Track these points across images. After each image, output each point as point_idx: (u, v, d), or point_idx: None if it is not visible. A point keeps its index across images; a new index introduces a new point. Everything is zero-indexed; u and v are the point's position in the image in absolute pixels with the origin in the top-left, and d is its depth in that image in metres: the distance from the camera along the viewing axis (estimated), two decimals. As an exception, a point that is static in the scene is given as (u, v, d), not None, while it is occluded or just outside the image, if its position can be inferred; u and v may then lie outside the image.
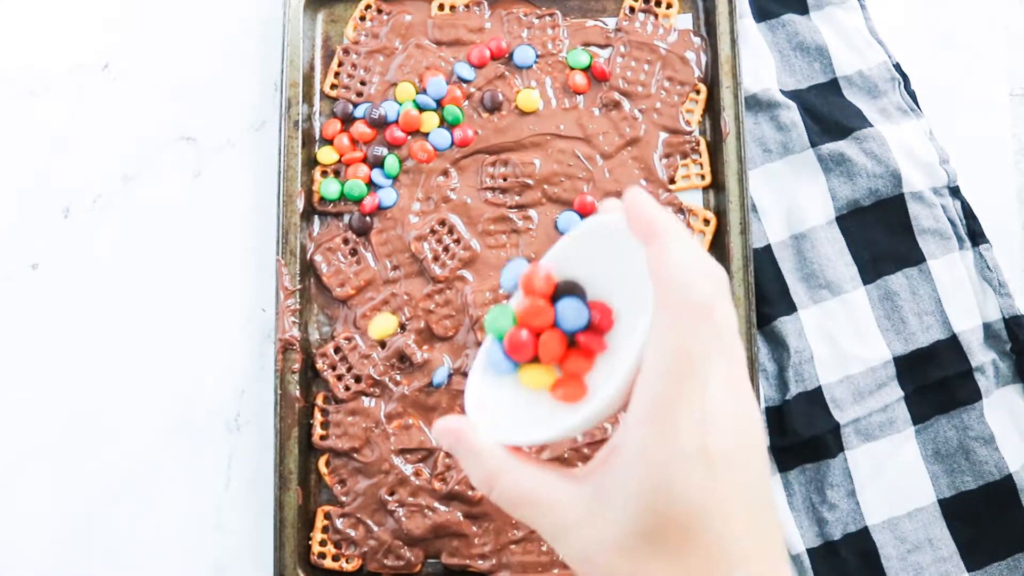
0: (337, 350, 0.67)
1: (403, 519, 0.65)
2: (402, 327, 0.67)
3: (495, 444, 0.39)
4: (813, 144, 0.69)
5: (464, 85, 0.70)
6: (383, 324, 0.66)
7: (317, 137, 0.70)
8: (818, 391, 0.66)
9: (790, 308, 0.68)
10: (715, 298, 0.35)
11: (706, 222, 0.68)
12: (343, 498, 0.66)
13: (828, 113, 0.70)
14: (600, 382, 0.40)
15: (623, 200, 0.37)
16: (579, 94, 0.69)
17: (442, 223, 0.68)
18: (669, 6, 0.70)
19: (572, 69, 0.70)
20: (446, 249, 0.68)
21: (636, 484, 0.35)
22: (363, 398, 0.67)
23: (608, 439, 0.38)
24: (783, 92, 0.70)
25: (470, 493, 0.65)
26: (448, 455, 0.66)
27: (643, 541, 0.35)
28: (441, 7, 0.71)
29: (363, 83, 0.70)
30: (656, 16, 0.70)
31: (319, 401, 0.67)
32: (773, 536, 0.36)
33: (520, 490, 0.38)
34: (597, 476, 0.37)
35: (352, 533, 0.65)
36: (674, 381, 0.34)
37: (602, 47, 0.70)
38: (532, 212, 0.68)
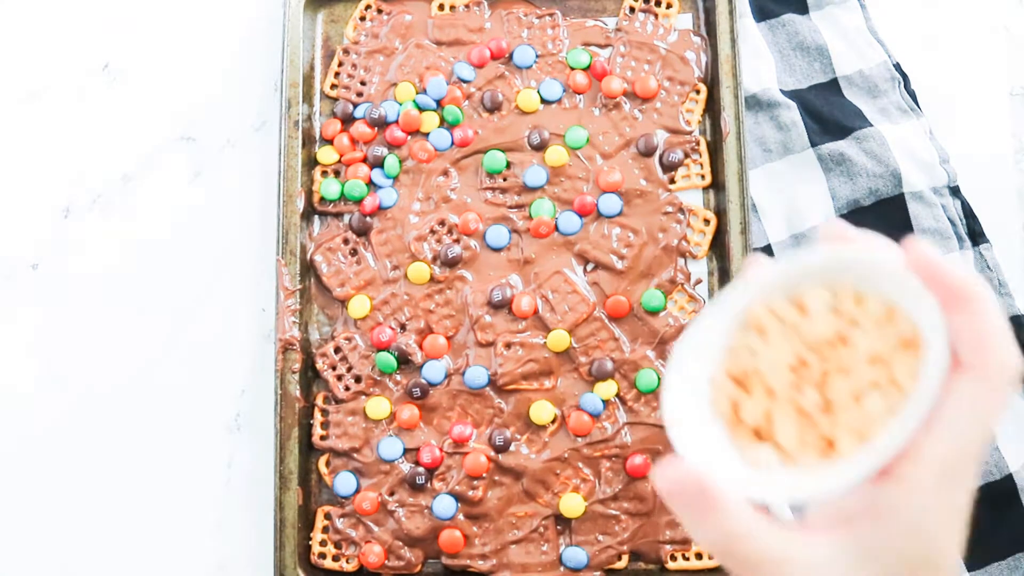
0: (337, 350, 0.67)
1: (403, 519, 0.65)
2: (402, 327, 0.67)
3: (743, 501, 0.34)
4: (813, 144, 0.69)
5: (464, 85, 0.70)
6: (359, 306, 0.67)
7: (317, 137, 0.70)
8: (818, 391, 0.66)
9: (790, 308, 0.67)
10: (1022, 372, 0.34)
11: (706, 222, 0.68)
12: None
13: (828, 113, 0.70)
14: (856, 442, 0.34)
15: (910, 251, 0.35)
16: (579, 94, 0.69)
17: (442, 223, 0.68)
18: (669, 6, 0.70)
19: (572, 69, 0.70)
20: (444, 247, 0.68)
21: (910, 542, 0.34)
22: (363, 398, 0.67)
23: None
24: (783, 92, 0.70)
25: (470, 493, 0.65)
26: (450, 454, 0.66)
27: None
28: (441, 7, 0.71)
29: (363, 83, 0.70)
30: (656, 16, 0.70)
31: (319, 401, 0.67)
32: None
33: (763, 553, 0.34)
34: (847, 531, 0.34)
35: (352, 533, 0.65)
36: (974, 447, 0.33)
37: (602, 47, 0.70)
38: (532, 212, 0.68)
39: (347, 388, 0.67)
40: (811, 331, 0.35)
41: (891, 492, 0.34)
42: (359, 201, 0.68)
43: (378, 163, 0.69)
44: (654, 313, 0.66)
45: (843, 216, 0.68)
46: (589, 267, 0.67)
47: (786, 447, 0.35)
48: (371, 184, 0.69)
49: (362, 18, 0.71)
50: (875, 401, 0.34)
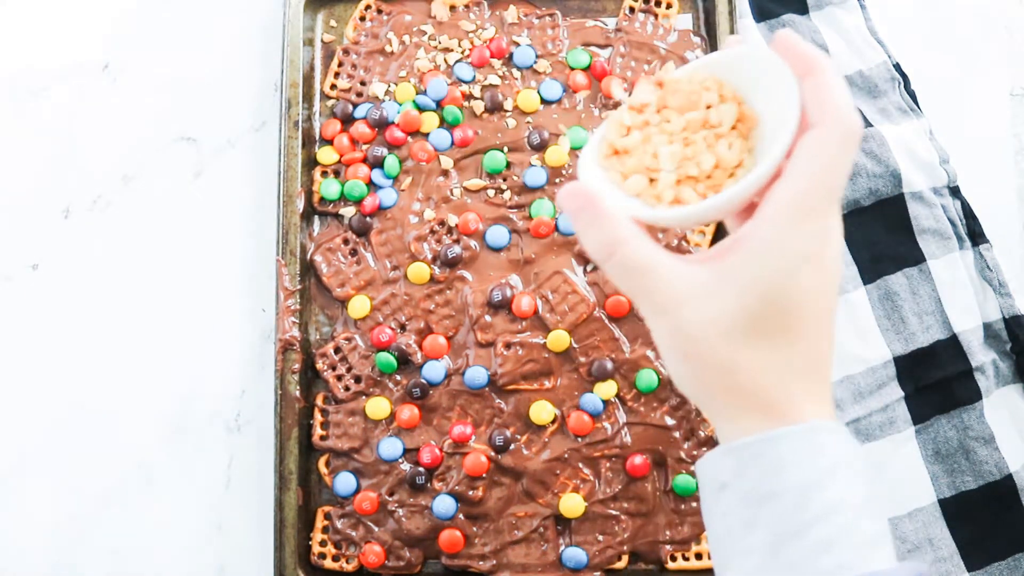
0: (337, 350, 0.67)
1: (403, 519, 0.65)
2: (402, 327, 0.67)
3: (623, 213, 0.41)
4: (813, 144, 0.69)
5: (464, 85, 0.70)
6: (359, 306, 0.67)
7: (317, 137, 0.70)
8: (818, 391, 0.66)
9: (790, 308, 0.68)
10: (860, 131, 0.40)
11: (706, 222, 0.68)
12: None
13: (828, 113, 0.70)
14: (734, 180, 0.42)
15: (777, 37, 0.41)
16: (578, 93, 0.69)
17: (442, 223, 0.68)
18: (669, 6, 0.70)
19: (572, 69, 0.70)
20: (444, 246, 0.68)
21: (757, 270, 0.39)
22: (363, 398, 0.67)
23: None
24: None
25: (470, 493, 0.65)
26: (450, 454, 0.66)
27: (748, 327, 0.39)
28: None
29: (363, 83, 0.70)
30: (656, 16, 0.70)
31: (319, 401, 0.67)
32: (832, 348, 0.41)
33: (642, 258, 0.40)
34: (717, 261, 0.40)
35: (352, 533, 0.65)
36: (817, 188, 0.38)
37: (602, 47, 0.70)
38: (532, 212, 0.68)
39: (347, 388, 0.67)
40: (689, 115, 0.43)
41: (748, 226, 0.40)
42: (359, 201, 0.68)
43: (378, 163, 0.69)
44: (654, 313, 0.66)
45: (843, 216, 0.68)
46: (589, 267, 0.67)
47: (662, 197, 0.42)
48: (371, 184, 0.69)
49: (362, 18, 0.71)
50: (733, 156, 0.42)
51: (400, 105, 0.69)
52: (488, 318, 0.67)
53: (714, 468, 0.41)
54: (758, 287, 0.39)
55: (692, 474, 0.65)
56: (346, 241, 0.69)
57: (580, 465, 0.65)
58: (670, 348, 0.41)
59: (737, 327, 0.39)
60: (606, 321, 0.67)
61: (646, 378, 0.65)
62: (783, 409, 0.40)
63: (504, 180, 0.69)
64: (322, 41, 0.71)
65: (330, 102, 0.71)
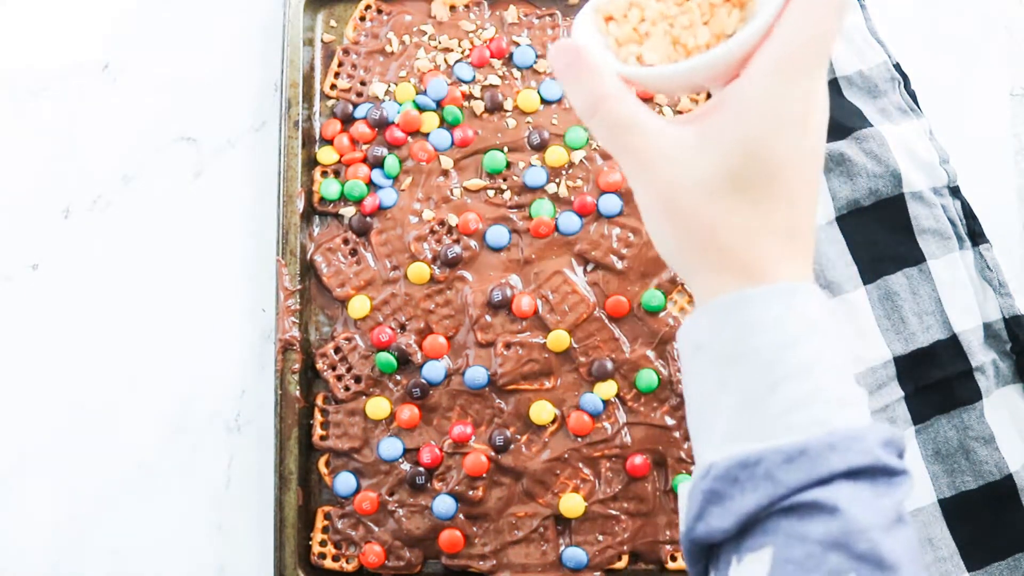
0: (337, 350, 0.67)
1: (403, 519, 0.65)
2: (402, 327, 0.67)
3: (611, 69, 0.41)
4: (813, 144, 0.69)
5: (464, 85, 0.70)
6: (359, 306, 0.67)
7: (317, 137, 0.70)
8: (818, 391, 0.66)
9: (790, 308, 0.68)
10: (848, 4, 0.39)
11: (706, 222, 0.68)
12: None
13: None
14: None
15: None
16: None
17: (442, 223, 0.68)
18: (669, 6, 0.70)
19: (572, 69, 0.70)
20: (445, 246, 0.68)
21: (743, 128, 0.39)
22: (363, 398, 0.67)
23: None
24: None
25: (470, 493, 0.65)
26: (450, 454, 0.66)
27: (730, 185, 0.39)
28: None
29: (363, 83, 0.70)
30: (656, 16, 0.70)
31: (319, 401, 0.67)
32: (813, 216, 0.42)
33: (627, 115, 0.40)
34: (702, 120, 0.40)
35: (352, 533, 0.65)
36: (804, 49, 0.38)
37: (602, 47, 0.70)
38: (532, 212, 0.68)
39: (347, 388, 0.67)
40: None
41: (735, 85, 0.40)
42: (359, 201, 0.68)
43: (378, 163, 0.69)
44: (654, 313, 0.66)
45: (843, 216, 0.69)
46: (589, 267, 0.67)
47: (653, 58, 0.42)
48: (371, 184, 0.69)
49: (362, 18, 0.71)
50: (722, 19, 0.41)
51: (400, 105, 0.69)
52: (488, 318, 0.67)
53: (690, 330, 0.42)
54: (742, 145, 0.39)
55: (692, 474, 0.65)
56: (346, 241, 0.69)
57: (580, 465, 0.65)
58: (652, 206, 0.41)
59: (719, 185, 0.39)
60: (606, 321, 0.67)
61: (646, 378, 0.65)
62: (760, 268, 0.40)
63: (504, 180, 0.69)
64: (322, 41, 0.71)
65: (330, 102, 0.71)
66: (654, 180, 0.40)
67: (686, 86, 0.43)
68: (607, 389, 0.65)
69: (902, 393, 0.67)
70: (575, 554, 0.64)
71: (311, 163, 0.70)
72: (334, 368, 0.67)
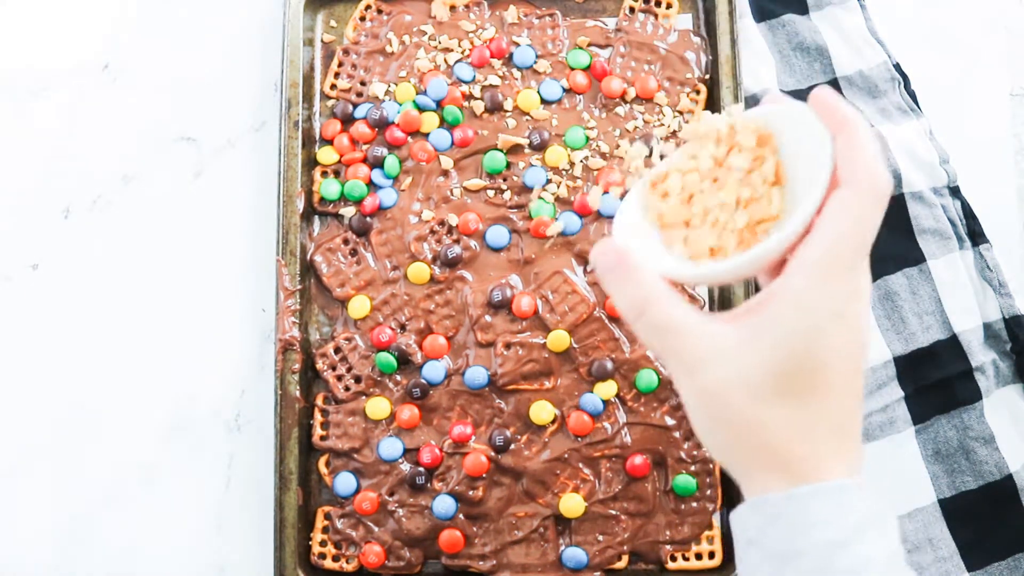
0: (337, 350, 0.67)
1: (403, 519, 0.65)
2: (402, 327, 0.67)
3: (654, 271, 0.42)
4: (813, 144, 0.69)
5: (464, 85, 0.70)
6: (359, 306, 0.67)
7: (317, 137, 0.70)
8: (818, 391, 0.66)
9: (790, 308, 0.68)
10: (890, 190, 0.40)
11: (706, 222, 0.68)
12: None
13: (828, 113, 0.70)
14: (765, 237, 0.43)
15: (813, 95, 0.42)
16: (579, 94, 0.69)
17: (442, 223, 0.68)
18: (669, 6, 0.70)
19: (572, 69, 0.70)
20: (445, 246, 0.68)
21: (784, 329, 0.39)
22: (363, 398, 0.67)
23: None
24: (783, 92, 0.70)
25: (470, 493, 0.65)
26: (450, 454, 0.66)
27: (776, 386, 0.39)
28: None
29: (363, 83, 0.70)
30: (656, 16, 0.70)
31: (319, 401, 0.67)
32: (860, 408, 0.41)
33: (672, 318, 0.41)
34: (746, 319, 0.40)
35: (352, 533, 0.65)
36: (845, 247, 0.39)
37: (602, 47, 0.70)
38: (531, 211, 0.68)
39: (347, 388, 0.67)
40: (730, 163, 0.44)
41: (778, 283, 0.40)
42: (359, 201, 0.68)
43: (378, 163, 0.69)
44: (654, 313, 0.66)
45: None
46: (589, 267, 0.67)
47: (698, 249, 0.43)
48: (371, 184, 0.69)
49: (362, 18, 0.71)
50: (771, 212, 0.42)
51: (400, 105, 0.69)
52: (488, 318, 0.67)
53: (741, 523, 0.41)
54: (785, 346, 0.39)
55: (692, 474, 0.65)
56: (346, 241, 0.69)
57: (580, 465, 0.65)
58: (697, 407, 0.41)
59: (764, 386, 0.39)
60: (606, 321, 0.67)
61: (646, 378, 0.65)
62: (809, 467, 0.39)
63: (504, 180, 0.69)
64: (322, 41, 0.71)
65: (330, 102, 0.71)
66: (699, 382, 0.40)
67: (729, 281, 0.44)
68: (607, 389, 0.65)
69: (902, 393, 0.67)
70: (575, 554, 0.64)
71: (311, 163, 0.70)
72: (334, 368, 0.67)
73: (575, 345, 0.66)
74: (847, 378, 0.40)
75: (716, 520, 0.65)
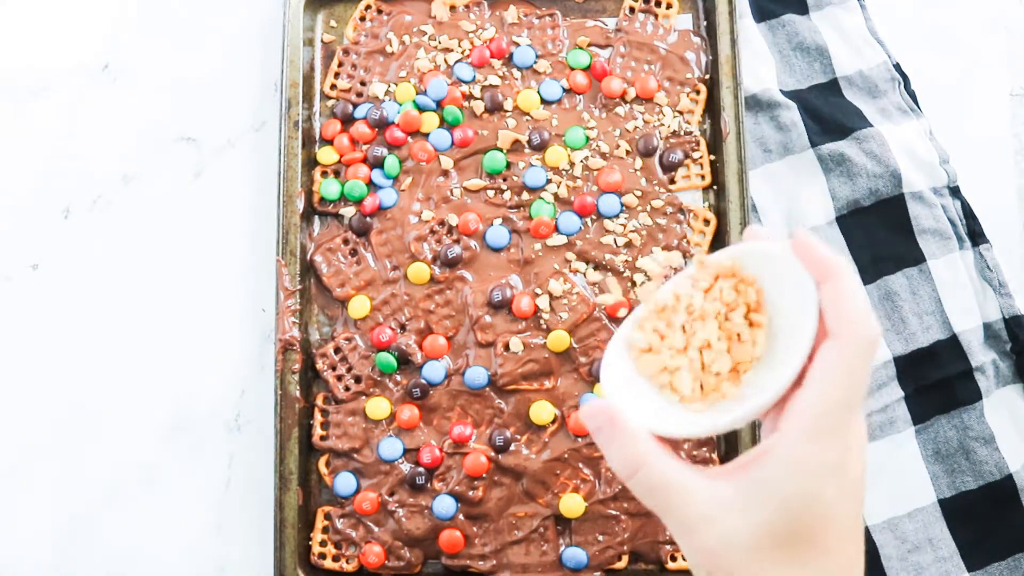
0: (337, 350, 0.67)
1: (403, 519, 0.65)
2: (402, 327, 0.67)
3: (644, 430, 0.41)
4: (813, 144, 0.69)
5: (464, 85, 0.70)
6: (359, 306, 0.67)
7: (317, 137, 0.70)
8: (818, 391, 0.66)
9: (790, 308, 0.68)
10: (879, 339, 0.39)
11: (706, 222, 0.68)
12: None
13: (828, 113, 0.70)
14: (754, 389, 0.42)
15: (795, 241, 0.41)
16: (579, 94, 0.69)
17: (442, 223, 0.68)
18: (669, 6, 0.70)
19: (572, 69, 0.70)
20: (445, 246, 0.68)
21: (780, 487, 0.38)
22: (363, 398, 0.67)
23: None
24: (783, 92, 0.70)
25: (470, 493, 0.65)
26: (450, 455, 0.66)
27: (773, 543, 0.38)
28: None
29: (363, 83, 0.70)
30: (656, 16, 0.70)
31: (319, 401, 0.67)
32: (862, 554, 0.41)
33: (665, 478, 0.40)
34: (741, 475, 0.40)
35: (352, 533, 0.65)
36: (837, 403, 0.38)
37: (602, 47, 0.70)
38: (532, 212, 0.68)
39: (347, 388, 0.67)
40: (699, 306, 0.44)
41: (773, 440, 0.39)
42: (359, 201, 0.68)
43: (378, 163, 0.69)
44: (654, 313, 0.66)
45: (843, 216, 0.69)
46: (589, 267, 0.67)
47: (683, 393, 0.43)
48: (371, 184, 0.69)
49: (362, 18, 0.71)
50: (755, 353, 0.42)
51: (400, 105, 0.69)
52: (488, 318, 0.67)
53: None
54: (782, 504, 0.38)
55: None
56: (346, 241, 0.69)
57: (580, 465, 0.65)
58: (697, 565, 0.41)
59: (763, 544, 0.38)
60: (606, 321, 0.67)
61: (646, 378, 0.65)
62: None
63: (504, 180, 0.69)
64: (322, 41, 0.71)
65: (330, 102, 0.71)
66: (695, 540, 0.40)
67: (721, 434, 0.42)
68: (607, 389, 0.65)
69: (902, 393, 0.67)
70: (575, 554, 0.64)
71: (311, 163, 0.70)
72: (334, 368, 0.67)
73: (575, 345, 0.66)
74: (847, 528, 0.39)
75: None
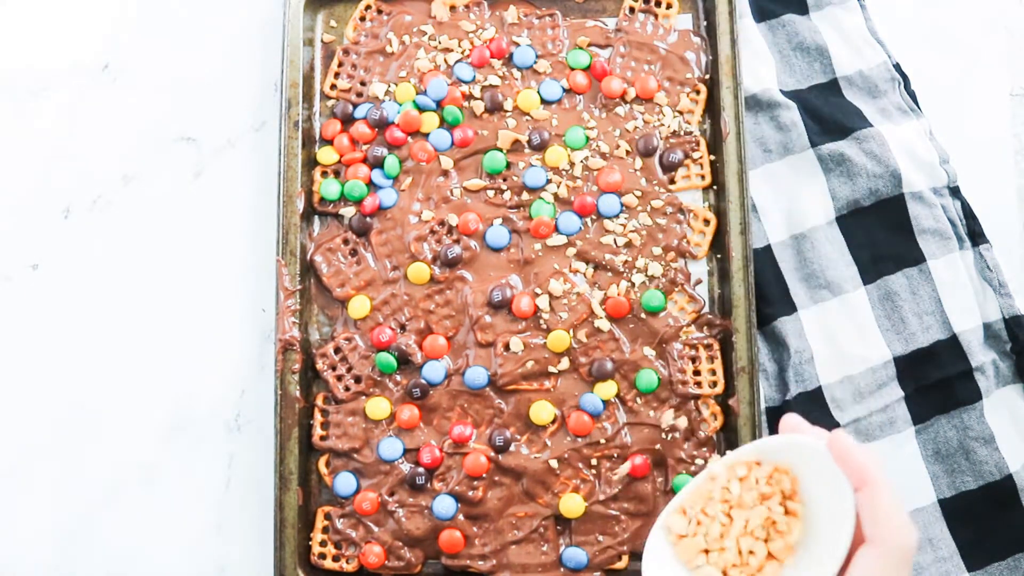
0: (337, 350, 0.67)
1: (403, 519, 0.65)
2: (402, 327, 0.67)
3: None
4: (813, 144, 0.69)
5: (464, 85, 0.70)
6: (359, 306, 0.67)
7: (317, 137, 0.70)
8: (818, 391, 0.66)
9: (790, 308, 0.68)
10: (917, 546, 0.40)
11: (706, 222, 0.68)
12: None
13: (828, 113, 0.70)
14: None
15: (832, 440, 0.43)
16: (579, 94, 0.69)
17: (442, 223, 0.68)
18: (669, 6, 0.70)
19: (572, 69, 0.70)
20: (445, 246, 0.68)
21: None
22: (363, 398, 0.67)
23: None
24: (783, 92, 0.70)
25: (470, 493, 0.65)
26: (450, 455, 0.66)
27: None
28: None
29: (363, 83, 0.70)
30: (656, 16, 0.70)
31: (319, 401, 0.67)
32: None
33: None
34: None
35: (352, 533, 0.65)
36: None
37: (602, 47, 0.70)
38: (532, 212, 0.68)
39: (347, 388, 0.67)
40: (736, 494, 0.47)
41: None
42: (359, 201, 0.68)
43: (378, 163, 0.69)
44: (654, 313, 0.66)
45: (843, 216, 0.69)
46: (589, 267, 0.67)
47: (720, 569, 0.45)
48: (371, 184, 0.69)
49: (362, 18, 0.71)
50: (788, 548, 0.45)
51: (400, 105, 0.69)
52: (488, 318, 0.67)
53: None
54: None
55: (692, 474, 0.65)
56: (346, 241, 0.69)
57: (580, 465, 0.65)
58: None
59: None
60: (606, 320, 0.67)
61: (646, 378, 0.65)
62: None
63: (504, 180, 0.69)
64: (322, 41, 0.71)
65: (330, 102, 0.71)
66: None
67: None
68: (607, 389, 0.65)
69: (902, 393, 0.67)
70: (575, 554, 0.64)
71: (311, 163, 0.70)
72: (334, 368, 0.67)
73: (575, 345, 0.66)
74: None
75: (716, 520, 0.65)
